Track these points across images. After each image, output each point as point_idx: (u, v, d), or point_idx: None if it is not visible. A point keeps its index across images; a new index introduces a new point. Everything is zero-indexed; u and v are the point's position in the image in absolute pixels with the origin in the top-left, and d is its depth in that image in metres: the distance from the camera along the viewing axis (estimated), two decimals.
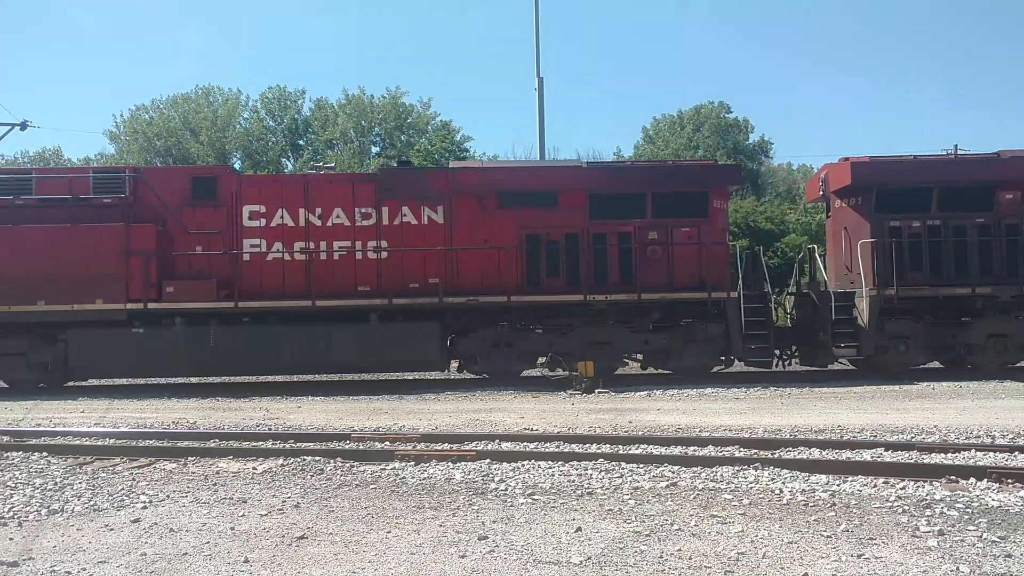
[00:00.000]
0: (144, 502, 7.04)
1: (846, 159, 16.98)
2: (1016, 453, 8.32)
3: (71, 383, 17.08)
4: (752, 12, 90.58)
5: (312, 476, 8.02)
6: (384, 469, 8.22)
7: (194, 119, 51.06)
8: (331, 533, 6.01)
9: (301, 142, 53.65)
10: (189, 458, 8.99)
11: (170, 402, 14.63)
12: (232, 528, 6.18)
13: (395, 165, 17.59)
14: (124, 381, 17.45)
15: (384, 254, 16.40)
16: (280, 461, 8.68)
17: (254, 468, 8.44)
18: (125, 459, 9.02)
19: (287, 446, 9.59)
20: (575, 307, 16.24)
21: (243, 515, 6.55)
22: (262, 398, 14.88)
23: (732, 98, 74.19)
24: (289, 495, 7.21)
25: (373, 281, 16.34)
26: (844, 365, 17.87)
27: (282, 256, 16.39)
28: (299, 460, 8.66)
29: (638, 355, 16.89)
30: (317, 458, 8.71)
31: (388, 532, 6.02)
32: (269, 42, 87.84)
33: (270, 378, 17.44)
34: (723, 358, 16.53)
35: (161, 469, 8.55)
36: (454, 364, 17.51)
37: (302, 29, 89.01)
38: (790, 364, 17.32)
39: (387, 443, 9.66)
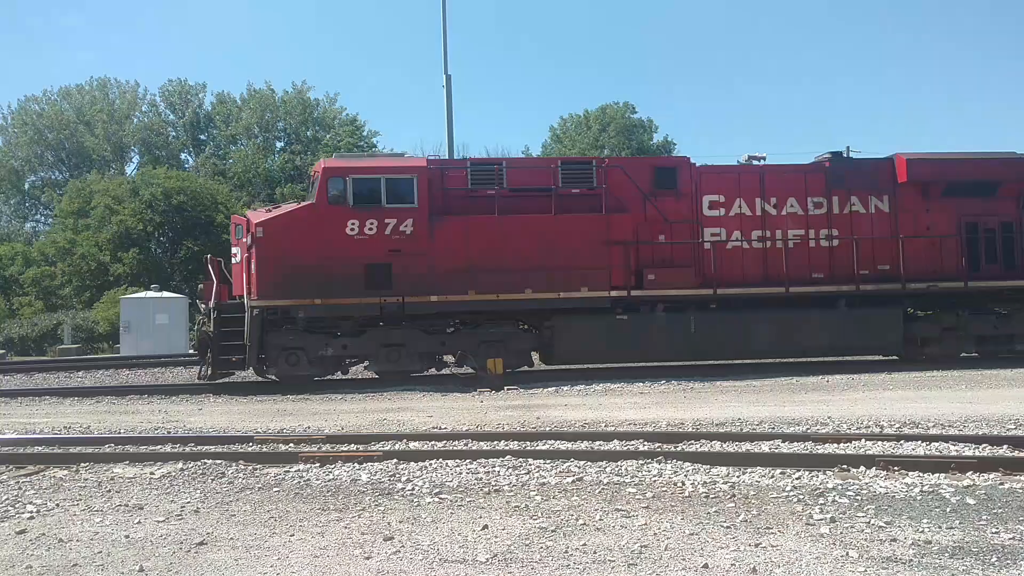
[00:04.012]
0: (31, 512, 6.71)
1: None
2: (902, 441, 8.74)
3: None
4: (657, 11, 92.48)
5: (213, 480, 7.79)
6: (288, 471, 8.04)
7: (89, 111, 49.04)
8: (232, 538, 5.86)
9: (203, 137, 52.13)
10: (82, 464, 8.59)
11: (61, 406, 14.00)
12: (127, 536, 5.95)
13: (829, 155, 18.26)
14: (14, 386, 16.55)
15: (835, 242, 17.22)
16: (179, 465, 8.40)
17: (151, 473, 8.15)
18: (11, 467, 8.58)
19: (187, 449, 9.31)
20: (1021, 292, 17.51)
21: (139, 522, 6.32)
22: (161, 400, 14.40)
23: (637, 98, 75.50)
24: (188, 500, 6.99)
25: (825, 268, 17.19)
26: None
27: (740, 244, 17.05)
28: (199, 464, 8.39)
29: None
30: (218, 461, 8.45)
31: (291, 535, 5.90)
32: (167, 32, 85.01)
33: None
34: None
35: (51, 477, 8.15)
36: None
37: (203, 21, 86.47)
38: None
39: (291, 445, 9.47)
